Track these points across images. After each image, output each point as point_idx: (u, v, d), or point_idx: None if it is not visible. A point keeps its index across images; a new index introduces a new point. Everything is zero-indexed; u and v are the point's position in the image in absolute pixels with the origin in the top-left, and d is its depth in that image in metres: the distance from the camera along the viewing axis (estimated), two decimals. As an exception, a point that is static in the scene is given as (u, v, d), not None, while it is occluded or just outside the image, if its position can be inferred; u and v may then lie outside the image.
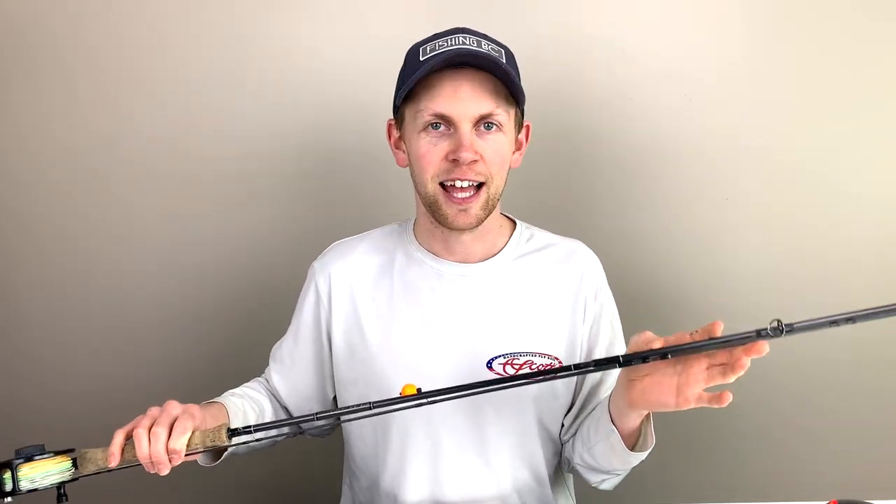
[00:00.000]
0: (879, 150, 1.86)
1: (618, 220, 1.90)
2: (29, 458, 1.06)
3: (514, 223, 1.46)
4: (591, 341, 1.42)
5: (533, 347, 1.37)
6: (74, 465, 1.09)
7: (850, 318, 0.92)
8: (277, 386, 1.48)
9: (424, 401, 1.06)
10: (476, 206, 1.29)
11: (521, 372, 1.34)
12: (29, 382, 1.96)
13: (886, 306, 0.91)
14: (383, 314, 1.40)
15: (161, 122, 1.88)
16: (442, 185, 1.29)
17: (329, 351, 1.44)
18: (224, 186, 1.90)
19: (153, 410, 1.11)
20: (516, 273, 1.40)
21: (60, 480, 1.07)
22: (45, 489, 1.07)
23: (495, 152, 1.28)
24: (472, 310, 1.37)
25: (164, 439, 1.06)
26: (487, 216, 1.32)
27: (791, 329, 0.93)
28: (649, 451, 1.25)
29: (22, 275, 1.94)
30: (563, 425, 1.44)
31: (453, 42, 1.26)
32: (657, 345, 1.03)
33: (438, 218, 1.31)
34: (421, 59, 1.27)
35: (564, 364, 1.37)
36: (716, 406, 1.01)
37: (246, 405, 1.36)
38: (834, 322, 0.92)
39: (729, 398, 0.99)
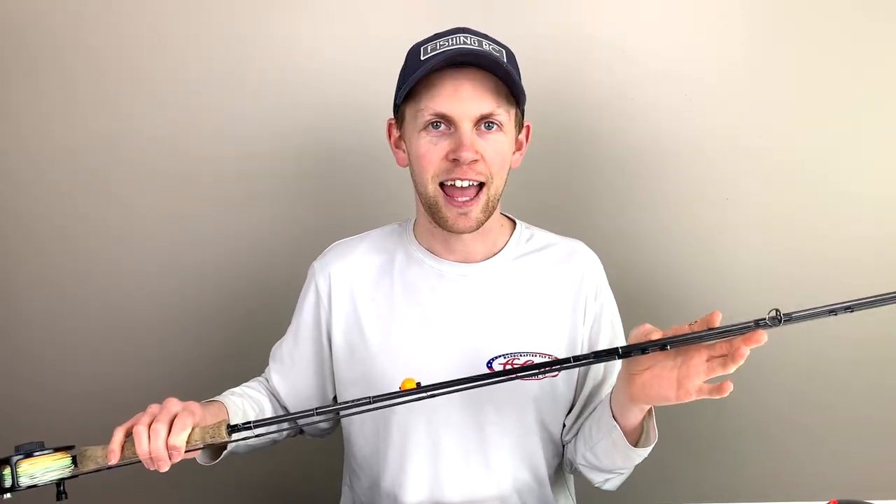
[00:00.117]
0: (879, 150, 1.86)
1: (618, 220, 1.91)
2: (28, 455, 1.06)
3: (514, 223, 1.46)
4: (592, 341, 1.42)
5: (533, 347, 1.36)
6: (74, 462, 1.09)
7: (849, 307, 0.92)
8: (277, 386, 1.47)
9: (424, 394, 1.06)
10: (476, 210, 1.29)
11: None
12: (29, 382, 1.96)
13: (884, 295, 0.91)
14: (383, 314, 1.40)
15: (161, 122, 1.88)
16: (442, 185, 1.28)
17: (329, 351, 1.44)
18: (224, 186, 1.90)
19: (153, 407, 1.11)
20: (516, 273, 1.40)
21: (60, 477, 1.07)
22: (45, 486, 1.07)
23: (496, 152, 1.28)
24: (473, 309, 1.37)
25: (164, 436, 1.06)
26: (488, 218, 1.32)
27: (789, 318, 0.93)
28: (652, 446, 1.25)
29: (22, 275, 1.93)
30: (564, 426, 1.44)
31: (454, 42, 1.26)
32: (656, 336, 1.03)
33: (438, 220, 1.31)
34: (422, 58, 1.27)
35: (564, 365, 1.37)
36: (716, 397, 1.01)
37: (246, 404, 1.36)
38: (832, 311, 0.92)
39: (730, 388, 0.99)
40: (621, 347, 1.05)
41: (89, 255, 1.93)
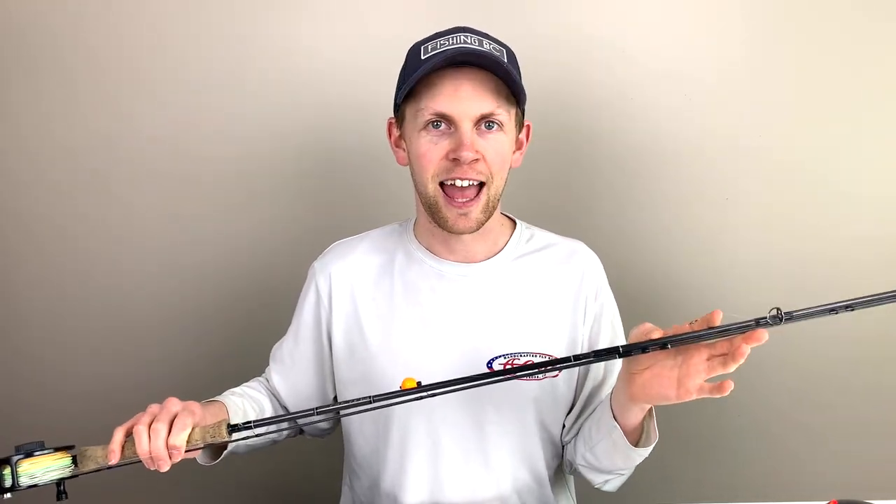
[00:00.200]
0: (879, 150, 1.86)
1: (618, 220, 1.91)
2: (29, 454, 1.06)
3: (515, 223, 1.46)
4: (592, 341, 1.42)
5: (533, 347, 1.36)
6: (74, 461, 1.08)
7: (849, 306, 0.92)
8: (277, 386, 1.47)
9: (424, 394, 1.05)
10: (476, 210, 1.29)
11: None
12: (29, 382, 1.96)
13: (884, 293, 0.91)
14: (383, 314, 1.40)
15: (161, 122, 1.88)
16: (442, 185, 1.28)
17: (329, 351, 1.44)
18: (224, 186, 1.90)
19: (153, 407, 1.11)
20: (517, 273, 1.40)
21: (60, 477, 1.07)
22: (45, 485, 1.07)
23: (496, 152, 1.28)
24: (473, 309, 1.37)
25: (164, 436, 1.06)
26: (488, 219, 1.32)
27: (790, 317, 0.93)
28: (652, 447, 1.25)
29: (22, 275, 1.93)
30: (564, 426, 1.44)
31: (455, 41, 1.26)
32: (656, 335, 1.03)
33: (438, 221, 1.31)
34: (422, 57, 1.27)
35: (564, 365, 1.37)
36: (717, 395, 1.01)
37: (246, 404, 1.36)
38: (832, 310, 0.93)
39: (730, 387, 0.99)
40: (622, 346, 1.05)
41: (89, 255, 1.92)
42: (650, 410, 1.20)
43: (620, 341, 1.45)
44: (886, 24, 1.82)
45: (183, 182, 1.90)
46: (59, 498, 1.08)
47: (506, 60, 1.26)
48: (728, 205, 1.88)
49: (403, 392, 1.06)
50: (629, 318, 1.47)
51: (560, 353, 1.38)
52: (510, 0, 1.84)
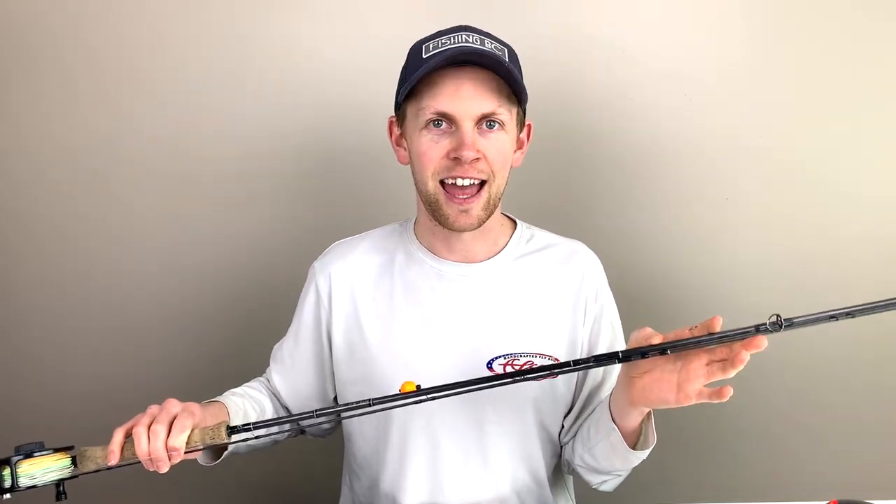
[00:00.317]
0: (879, 150, 1.86)
1: (618, 220, 1.91)
2: (28, 455, 1.06)
3: (515, 223, 1.46)
4: (592, 342, 1.42)
5: (533, 348, 1.36)
6: (74, 462, 1.08)
7: (849, 313, 0.92)
8: (278, 386, 1.47)
9: (424, 397, 1.06)
10: (477, 207, 1.29)
11: (521, 373, 1.34)
12: (29, 382, 1.96)
13: (885, 301, 0.91)
14: (383, 314, 1.40)
15: (161, 122, 1.88)
16: (442, 183, 1.28)
17: (329, 351, 1.44)
18: (224, 186, 1.90)
19: (153, 408, 1.10)
20: (517, 273, 1.40)
21: (59, 478, 1.07)
22: (44, 486, 1.07)
23: (497, 151, 1.28)
24: (473, 310, 1.37)
25: (164, 437, 1.06)
26: (489, 216, 1.32)
27: (790, 324, 0.93)
28: (650, 449, 1.25)
29: (22, 275, 1.93)
30: (563, 427, 1.44)
31: (456, 40, 1.26)
32: (656, 340, 1.03)
33: (439, 218, 1.31)
34: (424, 56, 1.26)
35: (564, 366, 1.37)
36: (716, 401, 1.01)
37: (247, 404, 1.36)
38: (833, 317, 0.92)
39: (730, 392, 0.99)
40: (622, 352, 1.05)
41: (89, 255, 1.92)
42: (649, 413, 1.20)
43: (620, 342, 1.45)
44: (886, 24, 1.82)
45: (183, 182, 1.90)
46: (58, 498, 1.08)
47: (507, 60, 1.26)
48: (728, 205, 1.88)
49: (403, 395, 1.05)
50: (629, 319, 1.48)
51: (560, 354, 1.38)
52: (510, 0, 1.84)
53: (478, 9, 1.83)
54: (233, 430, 1.08)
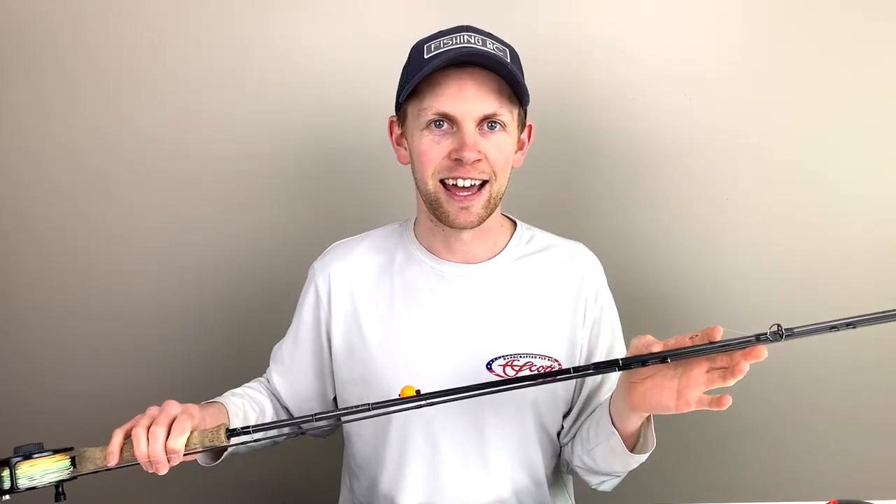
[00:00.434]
0: (879, 150, 1.86)
1: (618, 220, 1.90)
2: (28, 456, 1.06)
3: (515, 224, 1.46)
4: (592, 343, 1.42)
5: (533, 349, 1.36)
6: (73, 463, 1.09)
7: (850, 324, 0.92)
8: (278, 386, 1.47)
9: (423, 402, 1.06)
10: (478, 205, 1.29)
11: (521, 373, 1.34)
12: (29, 382, 1.96)
13: (886, 312, 0.91)
14: (383, 314, 1.40)
15: (161, 122, 1.88)
16: (443, 182, 1.28)
17: (329, 351, 1.44)
18: (224, 186, 1.90)
19: (152, 410, 1.11)
20: (517, 274, 1.40)
21: (59, 479, 1.07)
22: (44, 487, 1.07)
23: (498, 151, 1.28)
24: (473, 310, 1.37)
25: (163, 439, 1.06)
26: (489, 215, 1.32)
27: (791, 334, 0.93)
28: (649, 453, 1.25)
29: (22, 275, 1.93)
30: (562, 427, 1.44)
31: (458, 40, 1.26)
32: (657, 348, 1.03)
33: (440, 216, 1.31)
34: (425, 56, 1.26)
35: (564, 366, 1.37)
36: (715, 409, 1.01)
37: (246, 405, 1.36)
38: (834, 327, 0.92)
39: (729, 402, 1.00)
40: (622, 359, 1.05)
41: (89, 255, 1.92)
42: (648, 417, 1.20)
43: (619, 344, 1.45)
44: (886, 24, 1.82)
45: (183, 182, 1.90)
46: (57, 499, 1.08)
47: (509, 61, 1.26)
48: (728, 205, 1.88)
49: (403, 400, 1.06)
50: (629, 319, 1.48)
51: (560, 355, 1.38)
52: (510, 0, 1.83)
53: (478, 9, 1.82)
54: (232, 432, 1.08)
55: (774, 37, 1.84)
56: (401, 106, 1.34)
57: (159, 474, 1.07)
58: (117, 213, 1.91)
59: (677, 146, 1.87)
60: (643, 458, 1.26)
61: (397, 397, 1.06)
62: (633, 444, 1.24)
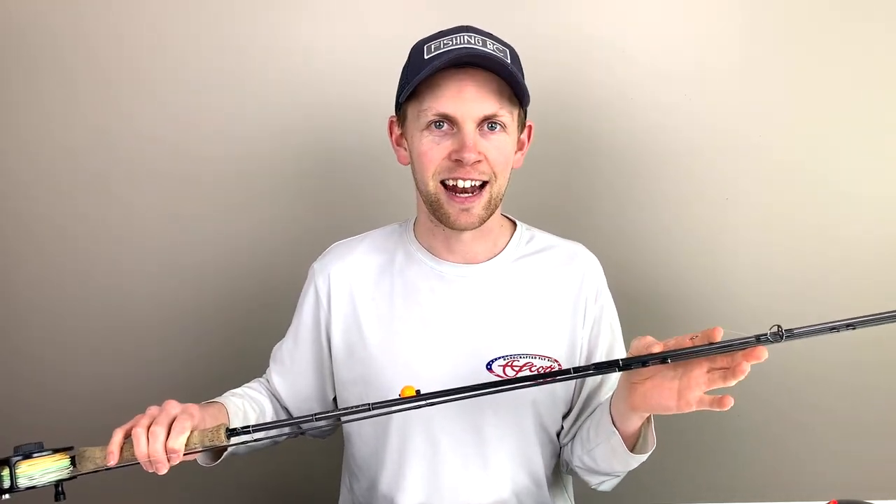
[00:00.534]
0: (879, 150, 1.86)
1: (618, 220, 1.90)
2: (27, 456, 1.06)
3: (515, 224, 1.46)
4: (591, 344, 1.42)
5: (533, 349, 1.36)
6: (73, 463, 1.08)
7: (850, 325, 0.92)
8: (277, 387, 1.47)
9: (423, 402, 1.06)
10: (478, 206, 1.29)
11: (521, 374, 1.34)
12: (29, 382, 1.96)
13: (886, 313, 0.91)
14: (383, 314, 1.39)
15: (161, 122, 1.88)
16: (443, 183, 1.28)
17: (329, 352, 1.44)
18: (224, 186, 1.90)
19: (152, 409, 1.11)
20: (517, 274, 1.40)
21: (59, 478, 1.07)
22: (43, 487, 1.07)
23: (498, 152, 1.28)
24: (472, 311, 1.37)
25: (163, 438, 1.06)
26: (489, 216, 1.32)
27: (791, 335, 0.93)
28: (650, 452, 1.25)
29: (22, 275, 1.93)
30: (562, 427, 1.44)
31: (458, 41, 1.25)
32: (657, 349, 1.03)
33: (440, 217, 1.31)
34: (425, 57, 1.26)
35: (564, 366, 1.37)
36: (717, 409, 1.01)
37: (246, 405, 1.36)
38: (834, 328, 0.92)
39: (730, 403, 0.99)
40: (622, 360, 1.05)
41: (89, 255, 1.92)
42: (649, 417, 1.20)
43: (619, 344, 1.45)
44: (886, 23, 1.82)
45: (183, 182, 1.90)
46: (57, 499, 1.08)
47: (509, 61, 1.26)
48: (728, 205, 1.88)
49: (403, 400, 1.06)
50: (629, 319, 1.48)
51: (560, 356, 1.38)
52: (510, 0, 1.83)
53: (478, 9, 1.82)
54: (232, 432, 1.08)
55: (774, 37, 1.84)
56: (400, 106, 1.34)
57: (159, 474, 1.07)
58: (117, 213, 1.91)
59: (677, 146, 1.87)
60: (643, 457, 1.26)
61: (397, 397, 1.06)
62: (633, 444, 1.24)
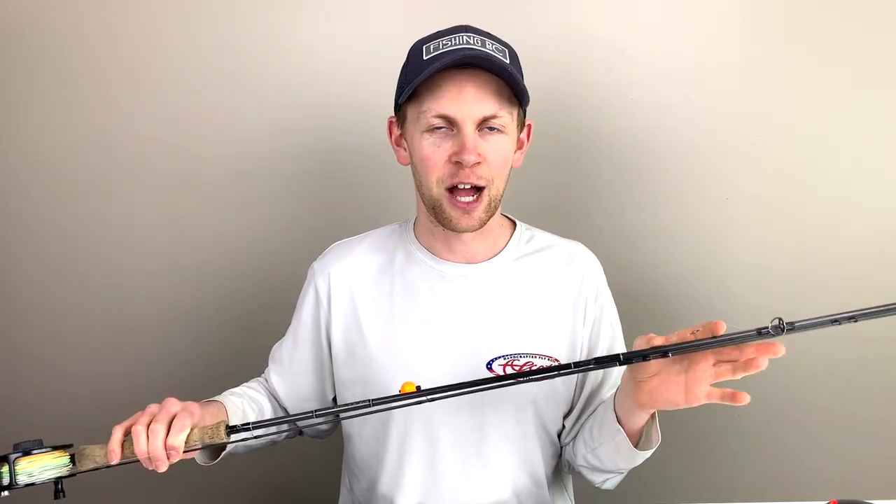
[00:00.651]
0: (879, 149, 1.86)
1: (618, 220, 1.91)
2: (27, 453, 1.05)
3: (515, 224, 1.46)
4: (592, 343, 1.42)
5: (533, 349, 1.36)
6: (72, 460, 1.08)
7: (852, 317, 0.92)
8: (277, 387, 1.47)
9: (424, 398, 1.05)
10: (479, 210, 1.29)
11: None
12: (29, 382, 1.96)
13: (887, 305, 0.91)
14: (383, 314, 1.39)
15: (161, 122, 1.88)
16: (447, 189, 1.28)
17: (328, 352, 1.44)
18: (224, 186, 1.90)
19: (152, 407, 1.10)
20: (517, 274, 1.40)
21: (58, 475, 1.07)
22: (43, 484, 1.06)
23: (498, 153, 1.28)
24: (473, 310, 1.37)
25: (163, 436, 1.05)
26: (490, 217, 1.32)
27: (792, 327, 0.93)
28: (655, 448, 1.25)
29: (22, 275, 1.93)
30: (563, 427, 1.43)
31: (457, 41, 1.25)
32: (658, 342, 1.03)
33: (441, 220, 1.31)
34: (424, 57, 1.26)
35: (564, 366, 1.37)
36: (729, 403, 1.01)
37: (245, 405, 1.36)
38: (835, 321, 0.92)
39: (746, 398, 1.00)
40: (623, 354, 1.04)
41: (89, 255, 1.92)
42: (653, 414, 1.20)
43: (620, 343, 1.45)
44: (886, 23, 1.82)
45: (183, 182, 1.90)
46: (56, 496, 1.08)
47: (508, 61, 1.26)
48: (728, 205, 1.88)
49: (403, 396, 1.05)
50: (629, 319, 1.48)
51: (560, 355, 1.37)
52: (510, 0, 1.83)
53: (478, 9, 1.82)
54: (232, 429, 1.08)
55: (774, 37, 1.84)
56: (400, 107, 1.34)
57: (159, 472, 1.07)
58: (117, 213, 1.91)
59: (677, 146, 1.87)
60: (648, 454, 1.26)
61: (398, 394, 1.06)
62: (636, 441, 1.24)
